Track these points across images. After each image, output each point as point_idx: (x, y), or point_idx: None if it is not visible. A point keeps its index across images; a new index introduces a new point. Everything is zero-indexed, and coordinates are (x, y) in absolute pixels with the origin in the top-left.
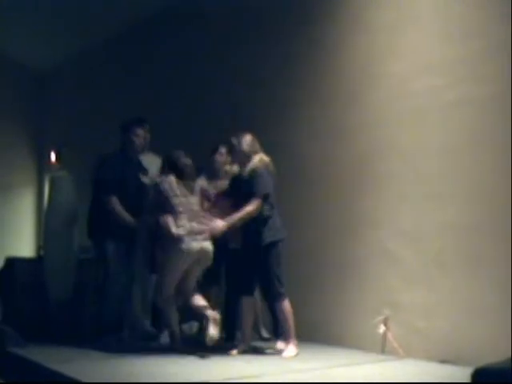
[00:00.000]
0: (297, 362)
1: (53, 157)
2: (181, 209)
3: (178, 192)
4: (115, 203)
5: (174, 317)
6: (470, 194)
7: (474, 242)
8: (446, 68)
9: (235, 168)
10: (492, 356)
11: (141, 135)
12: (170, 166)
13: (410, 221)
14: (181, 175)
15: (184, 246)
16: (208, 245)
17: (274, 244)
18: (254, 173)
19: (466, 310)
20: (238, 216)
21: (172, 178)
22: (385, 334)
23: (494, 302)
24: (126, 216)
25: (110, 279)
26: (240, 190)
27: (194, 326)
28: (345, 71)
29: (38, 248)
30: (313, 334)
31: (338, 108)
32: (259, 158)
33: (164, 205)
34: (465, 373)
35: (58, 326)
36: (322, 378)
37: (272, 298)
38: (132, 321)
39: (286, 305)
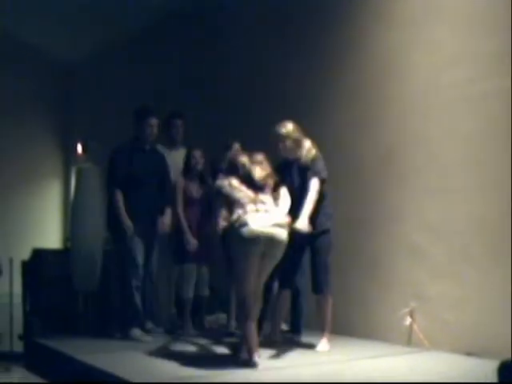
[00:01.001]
0: (323, 355)
1: (79, 148)
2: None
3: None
4: (117, 198)
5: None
6: (497, 186)
7: (501, 234)
8: (472, 61)
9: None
10: None
11: (154, 124)
12: (230, 167)
13: (436, 214)
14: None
15: (245, 229)
16: (279, 231)
17: (328, 231)
18: (315, 157)
19: (493, 303)
20: (309, 206)
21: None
22: (411, 326)
23: None
24: (124, 216)
25: (129, 271)
26: (299, 177)
27: (220, 317)
28: (371, 64)
29: (65, 240)
30: (340, 327)
31: (363, 101)
32: (310, 143)
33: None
34: (490, 366)
35: (84, 318)
36: (347, 369)
37: (320, 289)
38: (156, 312)
39: (330, 297)
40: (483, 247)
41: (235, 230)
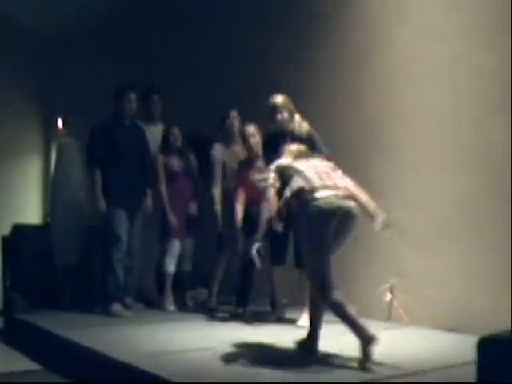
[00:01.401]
0: (304, 330)
1: (60, 124)
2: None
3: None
4: (95, 176)
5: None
6: (480, 162)
7: (484, 211)
8: (458, 37)
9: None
10: (498, 325)
11: (133, 100)
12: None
13: (418, 190)
14: None
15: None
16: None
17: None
18: (311, 133)
19: (473, 279)
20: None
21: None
22: (391, 301)
23: (503, 272)
24: (99, 196)
25: (111, 246)
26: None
27: (201, 293)
28: (355, 34)
29: (45, 215)
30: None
31: (346, 74)
32: (300, 118)
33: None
34: (470, 341)
35: (65, 293)
36: (327, 345)
37: (302, 263)
38: (137, 287)
39: None
40: (466, 223)
41: (310, 203)
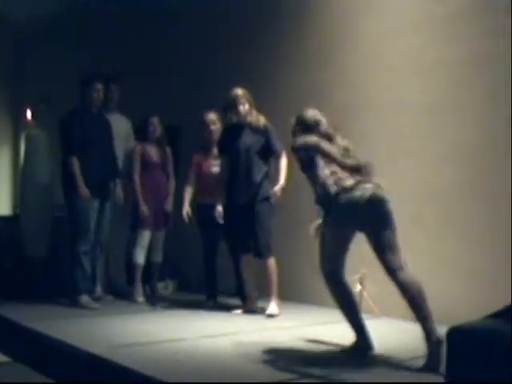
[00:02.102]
0: (274, 321)
1: (29, 114)
2: None
3: None
4: (73, 165)
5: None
6: (447, 153)
7: (452, 201)
8: (425, 27)
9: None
10: (467, 315)
11: (100, 89)
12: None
13: (386, 181)
14: None
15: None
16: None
17: (269, 198)
18: (267, 127)
19: (443, 269)
20: (285, 173)
21: None
22: (361, 292)
23: (471, 262)
24: (80, 182)
25: (78, 237)
26: (248, 143)
27: (169, 284)
28: (322, 29)
29: (15, 206)
30: (290, 294)
31: (314, 67)
32: (257, 112)
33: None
34: (439, 331)
35: (34, 285)
36: (298, 336)
37: (260, 253)
38: (106, 278)
39: (273, 262)
40: (434, 213)
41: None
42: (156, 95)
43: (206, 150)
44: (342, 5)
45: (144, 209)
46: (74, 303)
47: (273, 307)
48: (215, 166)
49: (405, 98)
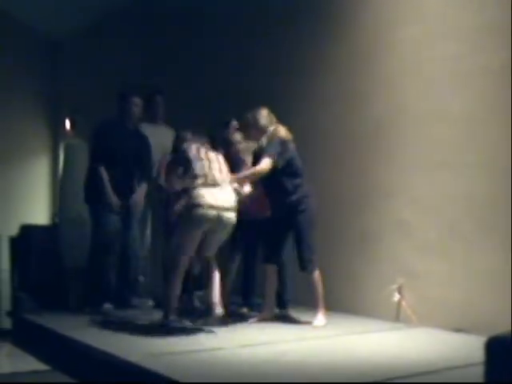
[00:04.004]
0: (312, 330)
1: (67, 124)
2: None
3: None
4: (102, 174)
5: (177, 288)
6: (484, 162)
7: (488, 211)
8: (462, 36)
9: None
10: (506, 326)
11: (138, 104)
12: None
13: (424, 190)
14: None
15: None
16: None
17: (304, 210)
18: (270, 140)
19: (481, 279)
20: (246, 172)
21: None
22: (399, 302)
23: (509, 271)
24: (109, 191)
25: (101, 248)
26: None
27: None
28: (358, 37)
29: (53, 216)
30: (328, 304)
31: (351, 74)
32: (273, 129)
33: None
34: (478, 341)
35: (73, 294)
36: (336, 345)
37: (303, 267)
38: (145, 287)
39: (316, 274)
40: (471, 223)
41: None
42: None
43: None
44: (377, 12)
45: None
46: (96, 311)
47: (320, 318)
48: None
49: (441, 107)
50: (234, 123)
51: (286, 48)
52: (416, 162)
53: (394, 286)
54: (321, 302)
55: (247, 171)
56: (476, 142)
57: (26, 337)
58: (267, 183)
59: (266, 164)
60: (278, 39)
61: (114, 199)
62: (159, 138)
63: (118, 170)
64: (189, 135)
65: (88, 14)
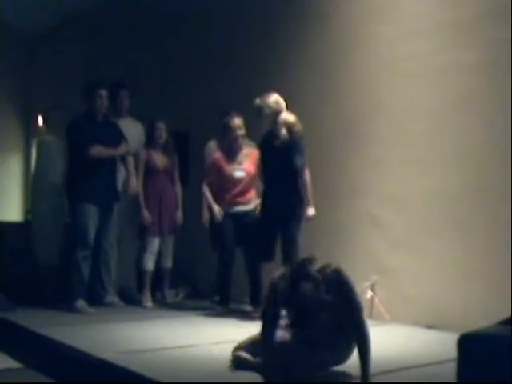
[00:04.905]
0: None
1: (40, 121)
2: None
3: None
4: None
5: None
6: (458, 158)
7: (462, 207)
8: (435, 33)
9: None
10: (479, 322)
11: (103, 95)
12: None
13: (397, 186)
14: None
15: None
16: None
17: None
18: (295, 139)
19: (453, 276)
20: (309, 191)
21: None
22: (372, 299)
23: (482, 268)
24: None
25: (77, 242)
26: (275, 154)
27: (180, 291)
28: (334, 34)
29: (26, 212)
30: None
31: (327, 71)
32: (285, 120)
33: None
34: (451, 338)
35: (46, 291)
36: None
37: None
38: (116, 285)
39: None
40: (444, 220)
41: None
42: (164, 101)
43: (228, 155)
44: (352, 9)
45: (146, 216)
46: (70, 308)
47: None
48: (239, 171)
49: (415, 102)
50: (233, 113)
51: (261, 45)
52: (390, 158)
53: (368, 283)
54: None
55: (308, 190)
56: (449, 137)
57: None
58: (270, 177)
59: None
60: (253, 36)
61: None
62: (126, 131)
63: (96, 163)
64: (161, 124)
65: (62, 11)
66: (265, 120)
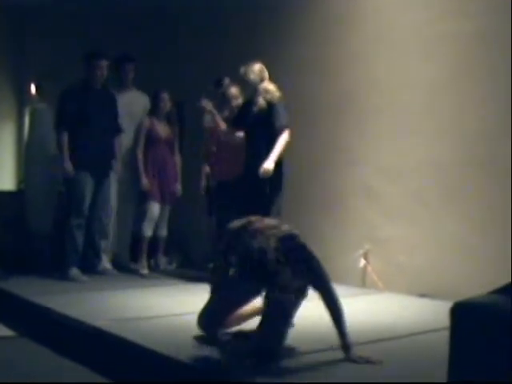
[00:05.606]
0: None
1: (33, 89)
2: None
3: None
4: (63, 139)
5: None
6: (453, 130)
7: (456, 178)
8: (431, 2)
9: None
10: (472, 291)
11: (102, 66)
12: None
13: (392, 157)
14: None
15: None
16: None
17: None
18: (272, 103)
19: (446, 245)
20: (278, 150)
21: None
22: (365, 267)
23: (474, 238)
24: (66, 157)
25: (71, 209)
26: (254, 122)
27: (173, 259)
28: (330, 5)
29: (19, 181)
30: None
31: (322, 43)
32: (265, 89)
33: None
34: (444, 306)
35: (39, 259)
36: (301, 311)
37: None
38: (104, 254)
39: None
40: (437, 191)
41: None
42: (161, 71)
43: (226, 123)
44: None
45: (145, 182)
46: (63, 276)
47: None
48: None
49: (411, 74)
50: (227, 80)
51: (255, 17)
52: (385, 130)
53: (360, 252)
54: None
55: (279, 147)
56: (445, 109)
57: None
58: (250, 145)
59: (288, 136)
60: (246, 7)
61: (67, 165)
62: (127, 105)
63: (91, 133)
64: (165, 94)
65: None
66: (248, 87)
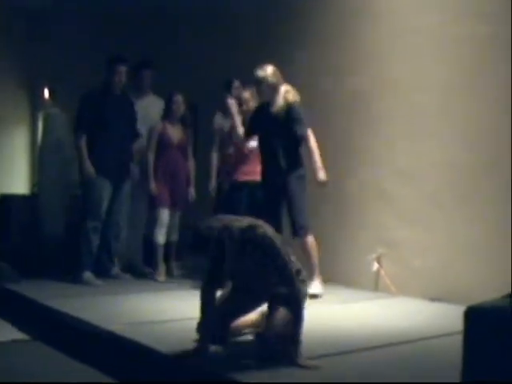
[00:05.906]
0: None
1: (46, 93)
2: None
3: None
4: (82, 143)
5: None
6: (468, 132)
7: (471, 181)
8: (446, 4)
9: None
10: (485, 294)
11: (122, 71)
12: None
13: (406, 160)
14: None
15: None
16: None
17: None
18: (292, 107)
19: (460, 249)
20: (318, 156)
21: None
22: (378, 271)
23: (489, 242)
24: (86, 161)
25: (88, 213)
26: (272, 125)
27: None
28: (344, 7)
29: (33, 185)
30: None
31: (337, 44)
32: (286, 90)
33: None
34: (457, 310)
35: (52, 263)
36: (314, 315)
37: (295, 232)
38: (125, 257)
39: (309, 239)
40: (452, 194)
41: None
42: (175, 74)
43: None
44: None
45: (153, 186)
46: (77, 279)
47: (316, 286)
48: (252, 142)
49: (426, 76)
50: (236, 83)
51: (272, 17)
52: (399, 132)
53: (374, 256)
54: (316, 269)
55: (317, 152)
56: (460, 111)
57: (6, 306)
58: (267, 148)
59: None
60: (258, 7)
61: (88, 168)
62: (144, 109)
63: (110, 137)
64: (179, 97)
65: None
66: (264, 91)
